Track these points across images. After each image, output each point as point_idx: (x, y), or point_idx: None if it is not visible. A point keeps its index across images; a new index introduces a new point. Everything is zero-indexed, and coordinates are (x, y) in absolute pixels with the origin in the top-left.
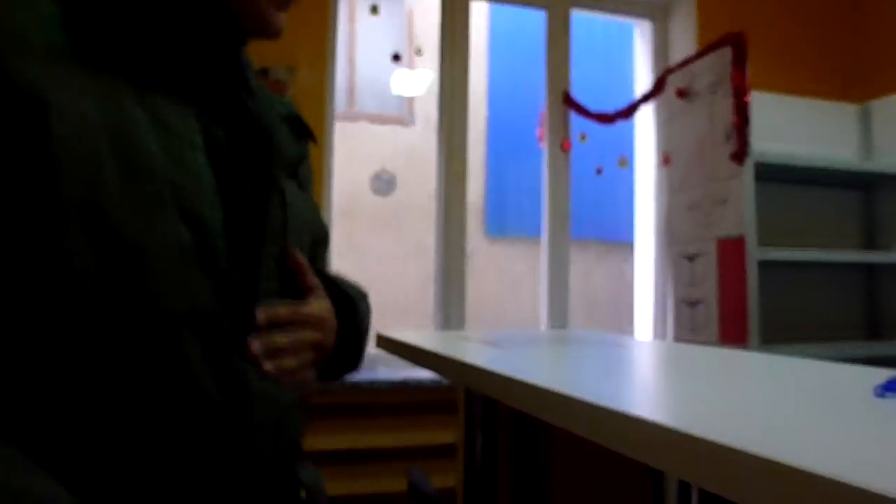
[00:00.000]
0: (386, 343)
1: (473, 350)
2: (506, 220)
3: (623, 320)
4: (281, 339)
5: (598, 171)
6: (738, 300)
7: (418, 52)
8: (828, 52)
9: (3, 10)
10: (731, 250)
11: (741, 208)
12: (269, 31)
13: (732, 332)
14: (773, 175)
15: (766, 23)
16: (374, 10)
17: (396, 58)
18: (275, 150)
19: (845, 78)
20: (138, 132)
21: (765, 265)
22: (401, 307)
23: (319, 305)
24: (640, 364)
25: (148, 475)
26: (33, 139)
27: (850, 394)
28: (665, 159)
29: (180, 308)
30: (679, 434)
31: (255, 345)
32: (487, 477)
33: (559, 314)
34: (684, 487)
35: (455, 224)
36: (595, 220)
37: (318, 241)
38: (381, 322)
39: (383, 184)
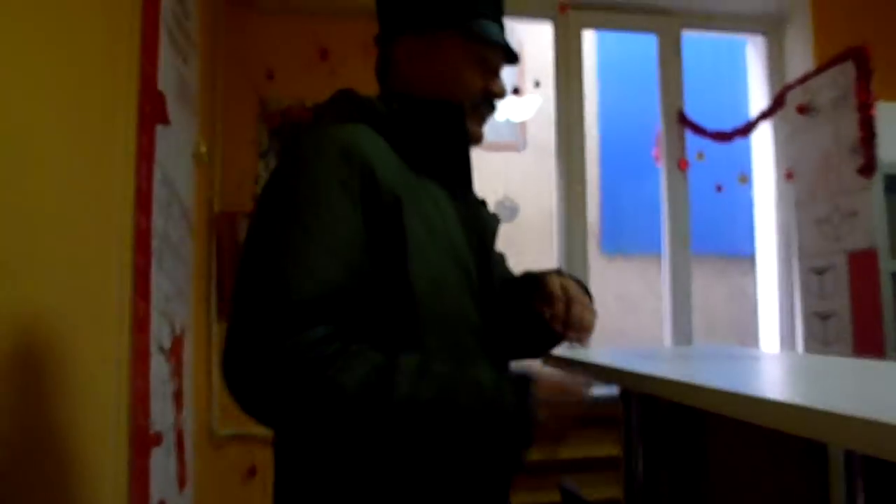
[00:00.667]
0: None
1: (634, 361)
2: (621, 239)
3: (744, 335)
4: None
5: (719, 189)
6: (872, 312)
7: (537, 84)
8: None
9: (366, 141)
10: (862, 262)
11: (871, 221)
12: (475, 140)
13: (868, 344)
14: None
15: (887, 30)
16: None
17: (516, 91)
18: (488, 221)
19: None
20: (428, 210)
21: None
22: None
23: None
24: (787, 371)
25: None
26: (396, 223)
27: None
28: (788, 174)
29: (465, 320)
30: (838, 415)
31: (571, 312)
32: (650, 485)
33: (683, 330)
34: (847, 458)
35: (577, 244)
36: (713, 235)
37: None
38: None
39: (508, 211)
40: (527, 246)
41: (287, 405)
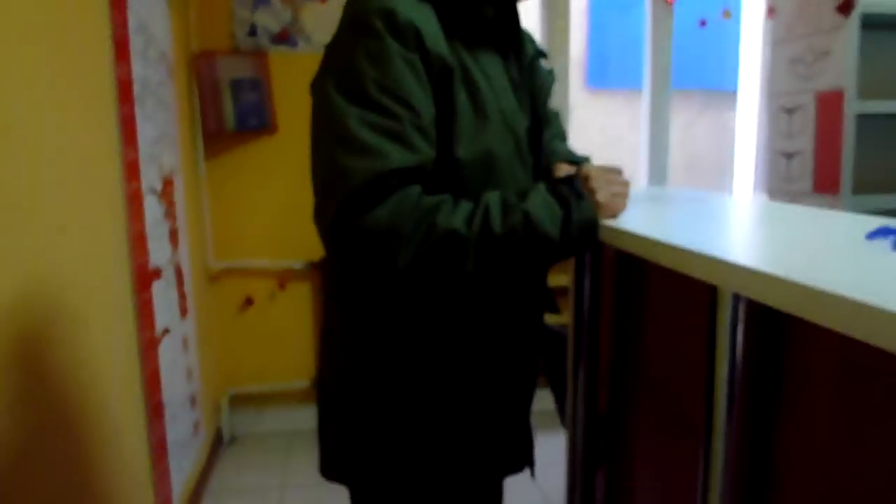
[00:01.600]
0: None
1: None
2: (607, 73)
3: (725, 170)
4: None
5: (702, 24)
6: (832, 152)
7: None
8: None
9: (411, 9)
10: (829, 103)
11: (842, 61)
12: None
13: (826, 184)
14: (881, 25)
15: None
16: None
17: None
18: (543, 80)
19: None
20: (476, 78)
21: (863, 118)
22: None
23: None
24: (711, 216)
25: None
26: (446, 94)
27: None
28: (770, 11)
29: (515, 185)
30: (729, 263)
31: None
32: (593, 314)
33: (659, 167)
34: (735, 300)
35: (558, 79)
36: (699, 69)
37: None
38: None
39: None
40: None
41: (407, 248)
